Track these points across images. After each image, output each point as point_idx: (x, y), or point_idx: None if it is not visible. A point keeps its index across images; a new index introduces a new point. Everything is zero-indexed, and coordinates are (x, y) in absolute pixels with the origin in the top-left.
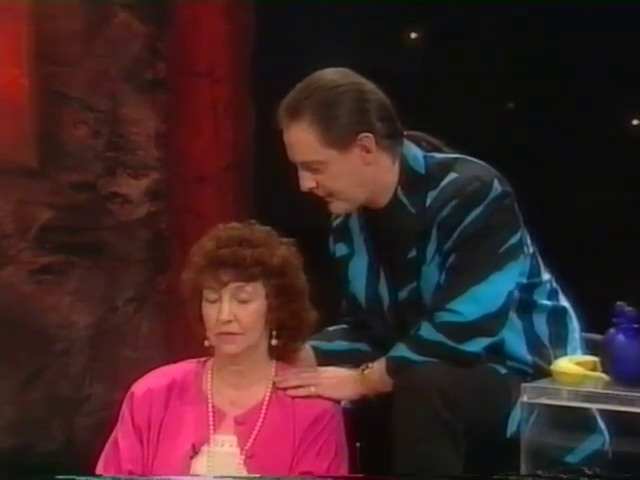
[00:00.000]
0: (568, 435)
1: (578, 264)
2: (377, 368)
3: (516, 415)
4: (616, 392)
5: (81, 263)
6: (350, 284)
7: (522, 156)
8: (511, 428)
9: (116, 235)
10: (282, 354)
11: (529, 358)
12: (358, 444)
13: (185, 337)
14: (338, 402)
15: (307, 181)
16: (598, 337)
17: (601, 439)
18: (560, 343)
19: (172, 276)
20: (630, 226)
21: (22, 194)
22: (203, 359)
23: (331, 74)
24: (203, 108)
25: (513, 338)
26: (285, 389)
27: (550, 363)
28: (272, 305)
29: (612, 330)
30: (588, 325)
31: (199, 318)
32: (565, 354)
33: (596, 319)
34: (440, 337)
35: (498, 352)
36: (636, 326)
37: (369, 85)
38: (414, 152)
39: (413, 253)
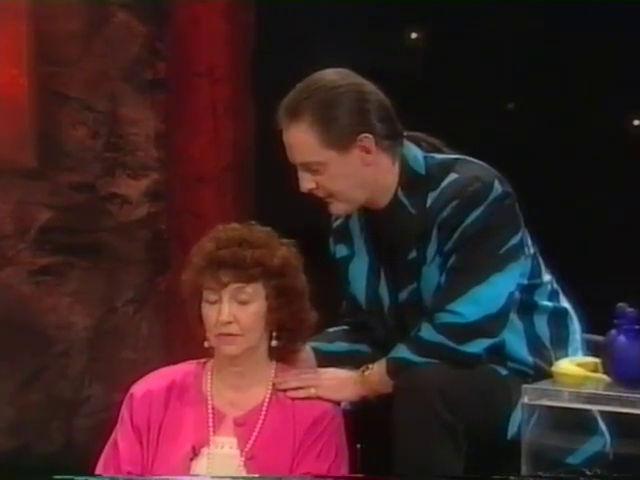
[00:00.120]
0: (569, 437)
1: (579, 265)
2: (377, 369)
3: (517, 416)
4: (617, 393)
5: (80, 264)
6: (350, 285)
7: (522, 156)
8: (512, 429)
9: (115, 236)
10: (282, 355)
11: (530, 359)
12: (358, 445)
13: (185, 338)
14: (338, 403)
15: (307, 182)
16: (599, 338)
17: (602, 441)
18: (561, 344)
19: (172, 277)
20: (631, 226)
21: (21, 195)
22: (203, 360)
23: (331, 75)
24: (203, 108)
25: (514, 339)
26: (285, 390)
27: (551, 364)
28: (272, 306)
29: (613, 331)
30: (589, 326)
31: (199, 319)
32: (566, 355)
33: (597, 320)
34: (440, 338)
35: (499, 353)
36: (637, 327)
37: (369, 86)
38: (414, 153)
39: (413, 254)
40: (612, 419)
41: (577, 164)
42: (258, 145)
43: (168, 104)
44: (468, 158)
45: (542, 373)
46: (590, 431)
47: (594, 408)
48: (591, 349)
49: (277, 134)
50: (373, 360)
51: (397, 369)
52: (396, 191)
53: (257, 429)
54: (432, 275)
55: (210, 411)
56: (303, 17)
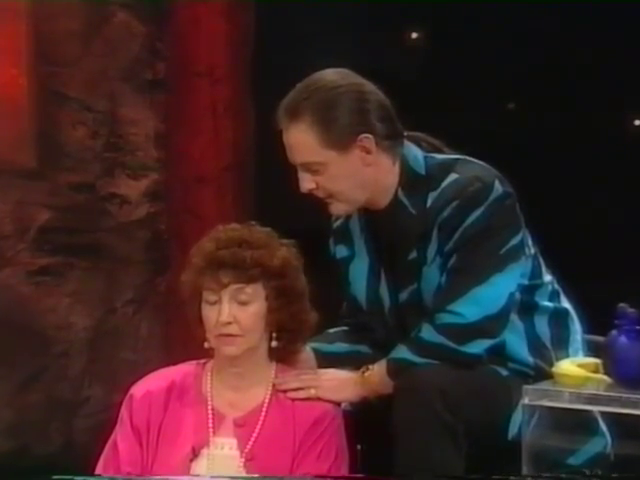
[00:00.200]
0: (570, 437)
1: (580, 265)
2: (378, 370)
3: (517, 417)
4: (618, 394)
5: (80, 264)
6: (351, 286)
7: (523, 156)
8: (512, 430)
9: (115, 236)
10: (282, 356)
11: (530, 360)
12: (359, 446)
13: (184, 339)
14: (338, 404)
15: (307, 182)
16: (600, 339)
17: (603, 441)
18: (562, 345)
19: (171, 277)
20: (631, 227)
21: (20, 195)
22: (203, 361)
23: (331, 75)
24: (203, 108)
25: (514, 340)
26: (285, 391)
27: (552, 365)
28: (272, 307)
29: (614, 332)
30: (590, 327)
31: (199, 320)
32: (567, 356)
33: (598, 321)
34: (441, 339)
35: (499, 354)
36: (638, 328)
37: (369, 86)
38: (414, 153)
39: (414, 254)
40: (613, 420)
41: (577, 164)
42: (258, 145)
43: (168, 104)
44: (468, 158)
45: (543, 374)
46: (591, 432)
47: (595, 409)
48: (592, 350)
49: (277, 134)
50: (373, 361)
51: (397, 370)
52: (396, 191)
53: (257, 430)
54: (432, 275)
55: (210, 412)
56: (303, 17)
